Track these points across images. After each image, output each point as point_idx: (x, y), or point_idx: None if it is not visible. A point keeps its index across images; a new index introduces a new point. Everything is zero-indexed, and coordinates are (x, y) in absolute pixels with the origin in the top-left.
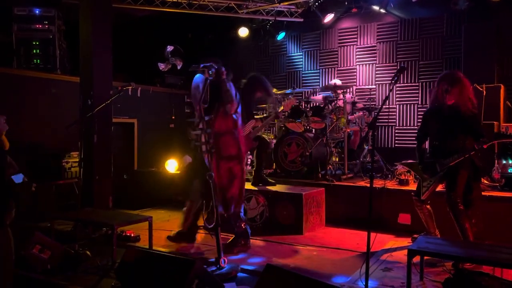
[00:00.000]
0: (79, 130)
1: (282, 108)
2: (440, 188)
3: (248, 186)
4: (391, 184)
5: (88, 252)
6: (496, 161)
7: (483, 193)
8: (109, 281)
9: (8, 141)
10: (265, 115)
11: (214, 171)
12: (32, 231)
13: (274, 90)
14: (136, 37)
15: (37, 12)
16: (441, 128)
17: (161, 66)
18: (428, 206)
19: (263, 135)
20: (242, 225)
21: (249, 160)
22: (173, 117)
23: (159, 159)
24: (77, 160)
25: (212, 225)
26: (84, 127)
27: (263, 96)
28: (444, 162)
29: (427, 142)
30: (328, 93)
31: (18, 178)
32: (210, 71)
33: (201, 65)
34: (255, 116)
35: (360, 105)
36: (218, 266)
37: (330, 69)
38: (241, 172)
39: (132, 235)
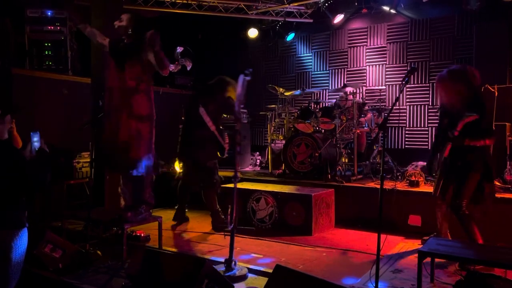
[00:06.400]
0: (91, 130)
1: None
2: None
3: (256, 186)
4: (401, 186)
5: (98, 252)
6: (508, 162)
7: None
8: (119, 281)
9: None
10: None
11: (120, 130)
12: (43, 230)
13: (281, 90)
14: None
15: (49, 14)
16: (445, 124)
17: (171, 67)
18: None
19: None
20: (148, 192)
21: (258, 160)
22: (183, 118)
23: (168, 160)
24: (88, 160)
25: (231, 227)
26: (96, 127)
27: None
28: (439, 157)
29: None
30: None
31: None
32: None
33: None
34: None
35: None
36: (227, 267)
37: (340, 70)
38: (150, 135)
39: (142, 235)
